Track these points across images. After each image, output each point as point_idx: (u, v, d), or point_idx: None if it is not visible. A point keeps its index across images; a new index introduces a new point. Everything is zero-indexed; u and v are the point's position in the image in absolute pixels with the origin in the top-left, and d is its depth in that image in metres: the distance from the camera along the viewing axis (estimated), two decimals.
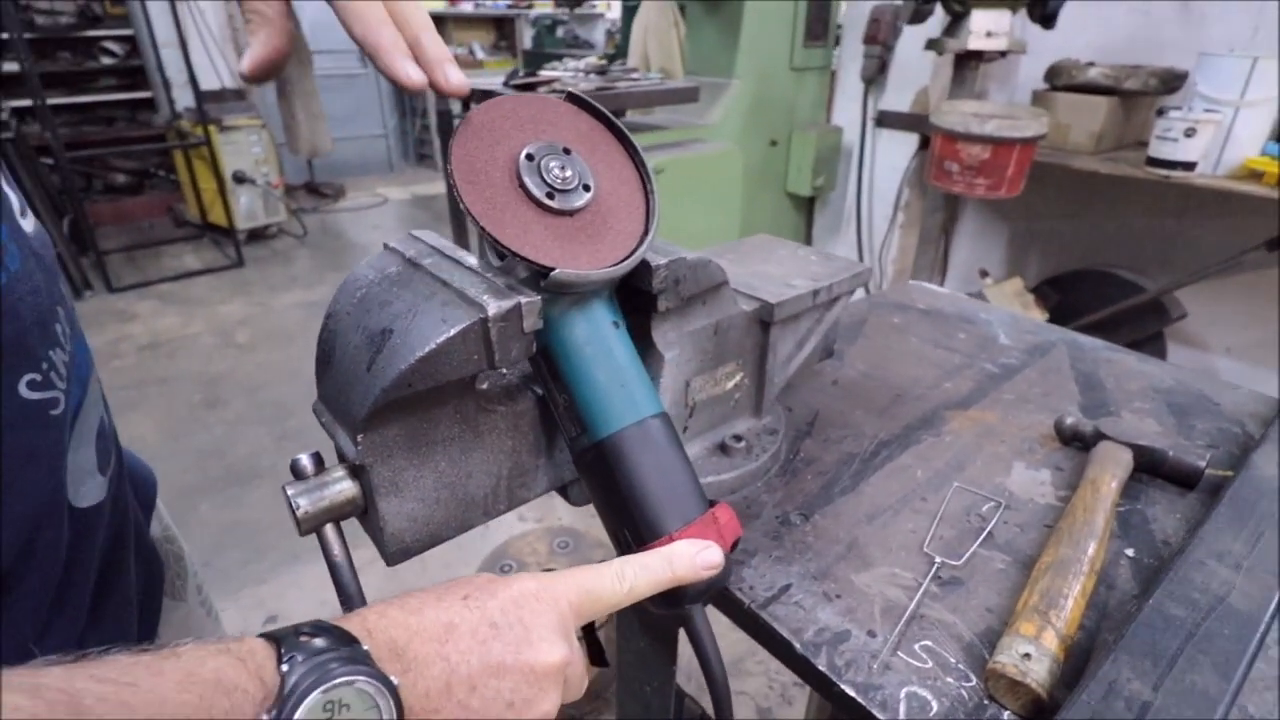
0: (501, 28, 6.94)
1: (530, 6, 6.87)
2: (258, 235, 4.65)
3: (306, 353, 2.71)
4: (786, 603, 0.55)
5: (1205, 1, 2.05)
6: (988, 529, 0.63)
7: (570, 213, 0.45)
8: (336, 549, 0.44)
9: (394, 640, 0.33)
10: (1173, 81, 2.06)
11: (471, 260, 0.47)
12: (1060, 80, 2.19)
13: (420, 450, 0.46)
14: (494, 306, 0.41)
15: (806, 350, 0.73)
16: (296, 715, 0.27)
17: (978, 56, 2.14)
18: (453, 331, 0.41)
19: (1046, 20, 2.02)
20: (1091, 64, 2.13)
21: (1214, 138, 1.82)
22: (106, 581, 0.47)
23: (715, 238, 2.38)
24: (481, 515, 0.52)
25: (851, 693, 0.47)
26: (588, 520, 2.02)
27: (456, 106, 3.02)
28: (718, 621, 0.57)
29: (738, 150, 2.41)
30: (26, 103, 3.61)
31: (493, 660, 0.34)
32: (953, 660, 0.50)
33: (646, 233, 0.48)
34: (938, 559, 0.59)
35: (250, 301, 3.81)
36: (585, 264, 0.44)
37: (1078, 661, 0.49)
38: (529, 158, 0.44)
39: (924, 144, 2.56)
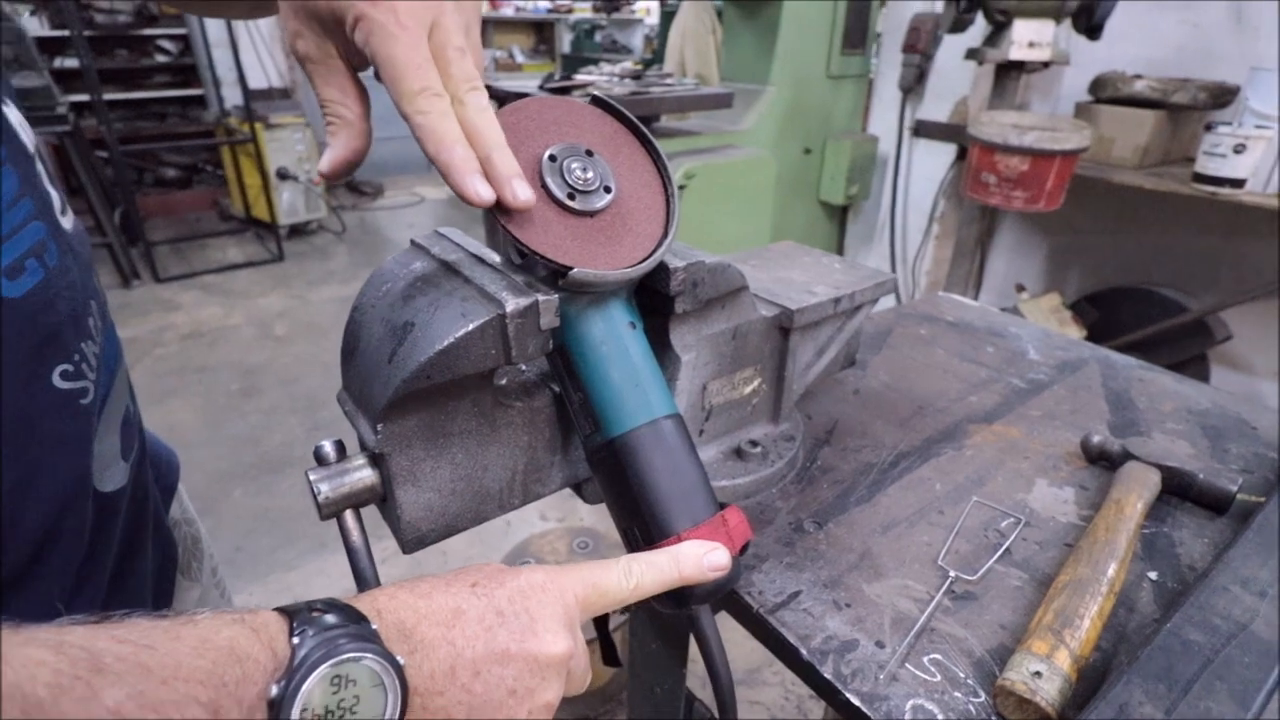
0: (541, 32, 7.04)
1: (570, 11, 6.95)
2: (298, 231, 4.78)
3: (340, 346, 2.79)
4: (795, 609, 0.55)
5: (1259, 14, 1.98)
6: (1005, 545, 0.62)
7: (591, 214, 0.46)
8: (355, 535, 0.46)
9: (402, 621, 0.34)
10: (1223, 96, 1.99)
11: (494, 258, 0.48)
12: (1105, 92, 2.14)
13: (438, 441, 0.47)
14: (512, 303, 0.42)
15: (827, 358, 0.73)
16: (304, 687, 0.28)
17: (1019, 67, 2.10)
18: (471, 326, 0.42)
19: (1092, 31, 1.97)
20: (1138, 76, 2.07)
21: (1265, 155, 1.76)
22: (125, 562, 0.49)
23: (746, 244, 2.37)
24: (496, 508, 0.53)
25: (856, 702, 0.47)
26: (608, 522, 2.02)
27: None
28: (735, 630, 0.57)
29: (771, 157, 2.41)
30: (84, 98, 3.75)
31: (497, 647, 0.35)
32: (962, 675, 0.49)
33: (665, 235, 0.49)
34: (952, 573, 0.58)
35: (289, 295, 3.91)
36: (603, 264, 0.45)
37: (1091, 683, 0.48)
38: (551, 159, 0.45)
39: (961, 155, 2.53)
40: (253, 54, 4.43)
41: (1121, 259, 2.45)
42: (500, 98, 2.15)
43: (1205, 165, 1.83)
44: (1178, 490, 0.67)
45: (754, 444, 0.67)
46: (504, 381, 0.52)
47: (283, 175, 4.41)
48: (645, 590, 0.43)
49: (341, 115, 0.42)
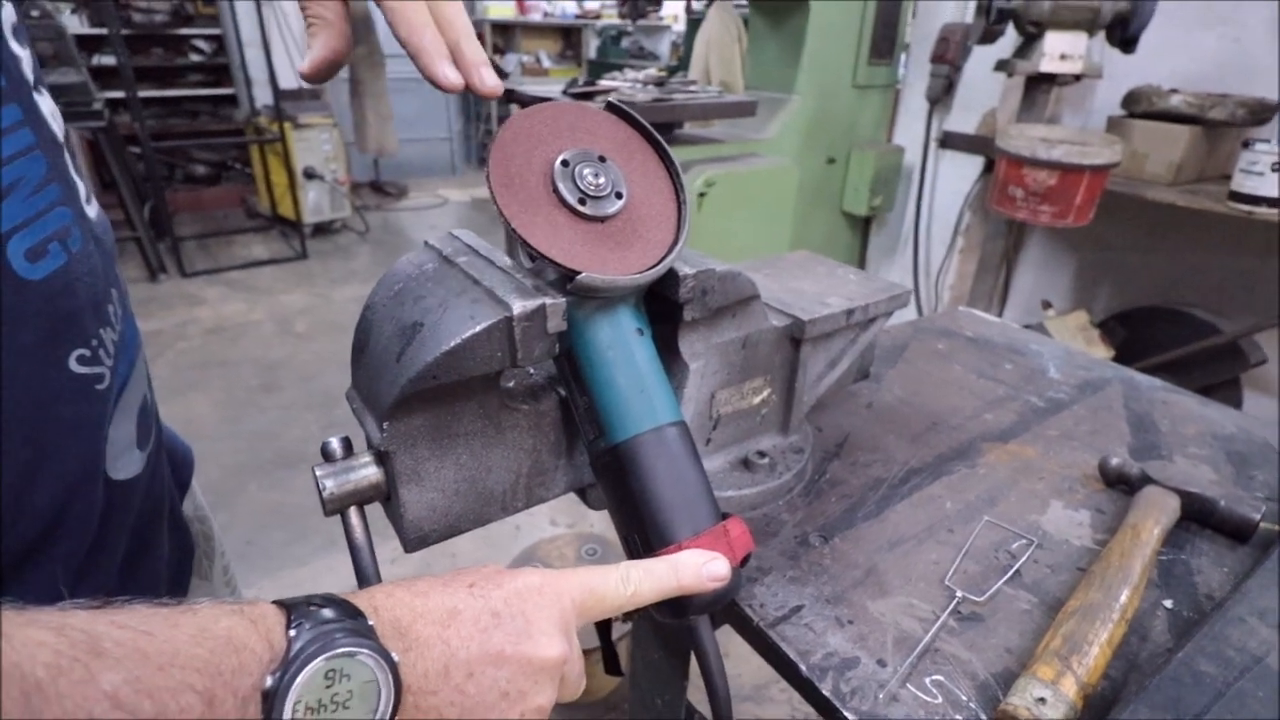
0: (568, 37, 7.07)
1: (598, 17, 6.98)
2: (323, 229, 4.83)
3: None
4: (796, 624, 0.54)
5: None
6: (1015, 567, 0.60)
7: (602, 219, 0.46)
8: (359, 532, 0.46)
9: (398, 619, 0.34)
10: (1262, 113, 1.94)
11: (504, 260, 0.49)
12: (1139, 107, 2.10)
13: (443, 442, 0.48)
14: (519, 306, 0.43)
15: (839, 370, 0.72)
16: (299, 679, 0.28)
17: (1050, 80, 2.07)
18: (478, 328, 0.42)
19: (1127, 44, 1.94)
20: (1174, 91, 2.03)
21: None
22: (137, 554, 0.50)
23: (764, 254, 2.36)
24: (499, 510, 0.53)
25: None
26: None
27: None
28: (742, 645, 0.57)
29: (793, 166, 2.39)
30: (120, 94, 3.81)
31: (492, 649, 0.35)
32: (964, 698, 0.48)
33: (676, 242, 0.49)
34: (959, 593, 0.57)
35: (311, 292, 3.96)
36: (613, 270, 0.45)
37: (1098, 711, 0.46)
38: (564, 164, 0.46)
39: (988, 167, 2.49)
40: (284, 55, 4.51)
41: (1152, 278, 2.40)
42: (523, 101, 2.17)
43: (1242, 183, 1.79)
44: (1198, 517, 0.65)
45: (762, 455, 0.67)
46: (511, 384, 0.52)
47: (309, 175, 4.47)
48: (643, 598, 0.42)
49: (322, 15, 0.44)
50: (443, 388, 0.44)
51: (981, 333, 1.08)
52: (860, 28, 2.67)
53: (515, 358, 0.44)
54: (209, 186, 5.36)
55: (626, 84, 2.23)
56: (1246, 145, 1.77)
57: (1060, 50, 1.95)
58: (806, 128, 2.68)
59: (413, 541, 0.50)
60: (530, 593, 0.38)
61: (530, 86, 2.47)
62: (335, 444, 0.46)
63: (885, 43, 2.77)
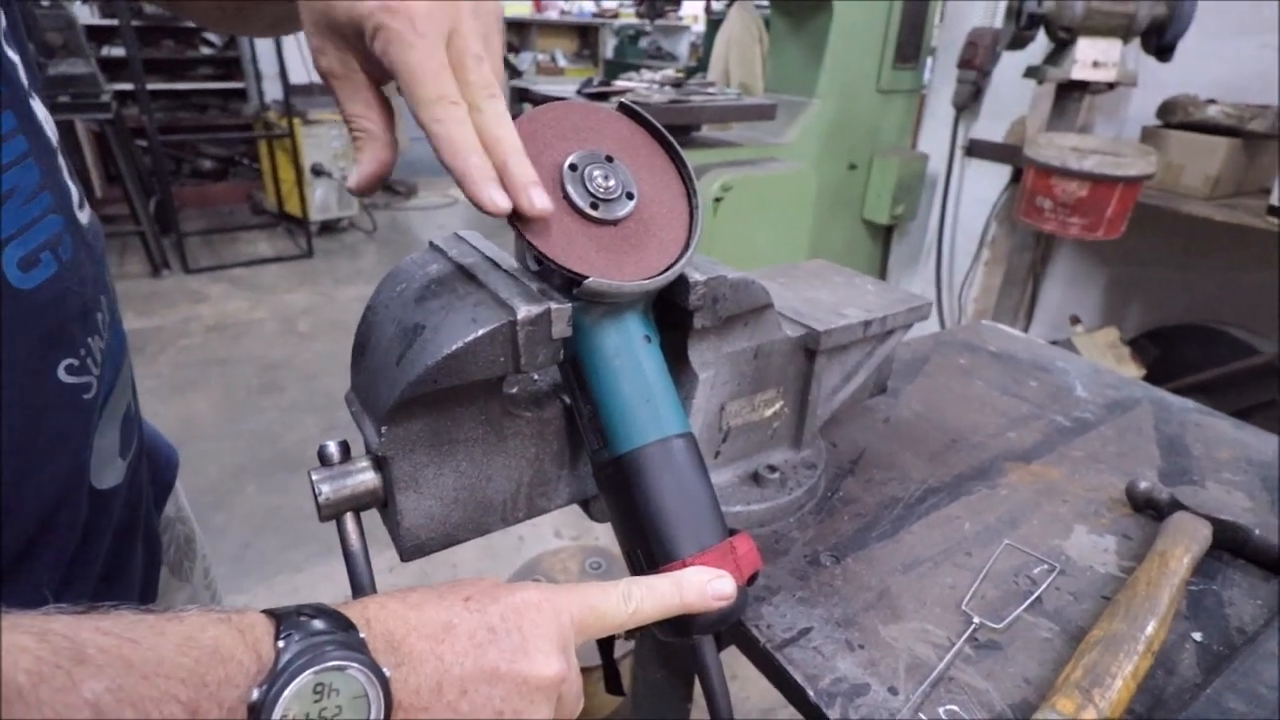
0: (585, 36, 7.05)
1: (615, 16, 6.96)
2: (329, 227, 4.78)
3: None
4: (805, 646, 0.52)
5: None
6: (1036, 593, 0.58)
7: (614, 222, 0.45)
8: (354, 539, 0.45)
9: (391, 632, 0.33)
10: None
11: (510, 263, 0.47)
12: (1175, 117, 2.05)
13: (442, 448, 0.47)
14: (523, 310, 0.42)
15: (855, 384, 0.70)
16: (286, 693, 0.28)
17: (1082, 87, 2.02)
18: (481, 332, 0.41)
19: (1163, 52, 1.89)
20: (1212, 101, 1.98)
21: None
22: (115, 562, 0.49)
23: (781, 261, 2.34)
24: (499, 521, 0.52)
25: None
26: None
27: None
28: (748, 666, 0.55)
29: (811, 172, 2.36)
30: (129, 86, 3.77)
31: (487, 666, 0.34)
32: None
33: (687, 247, 0.47)
34: (976, 619, 0.55)
35: (315, 291, 3.91)
36: (622, 274, 0.44)
37: None
38: (572, 167, 0.44)
39: (1016, 177, 2.44)
40: (295, 49, 4.44)
41: (1187, 294, 2.33)
42: (536, 100, 2.16)
43: None
44: (1230, 546, 0.62)
45: (773, 469, 0.65)
46: (514, 390, 0.51)
47: (317, 171, 4.43)
48: (644, 616, 0.41)
49: (367, 129, 0.42)
50: (443, 392, 0.43)
51: (1006, 348, 1.05)
52: (885, 30, 2.63)
53: (518, 363, 0.43)
54: (215, 182, 5.32)
55: (643, 84, 2.22)
56: None
57: (1093, 57, 1.90)
58: (827, 132, 2.65)
59: (409, 550, 0.49)
60: (528, 609, 0.37)
61: (544, 86, 2.46)
62: (333, 447, 0.45)
63: (910, 46, 2.73)
